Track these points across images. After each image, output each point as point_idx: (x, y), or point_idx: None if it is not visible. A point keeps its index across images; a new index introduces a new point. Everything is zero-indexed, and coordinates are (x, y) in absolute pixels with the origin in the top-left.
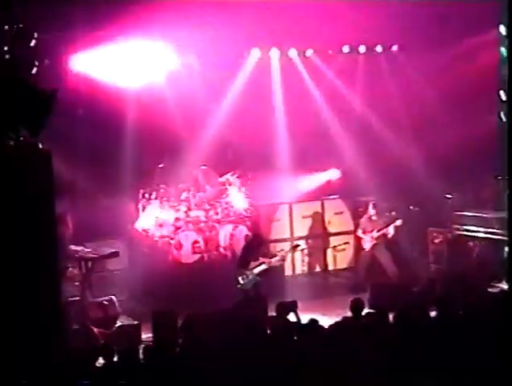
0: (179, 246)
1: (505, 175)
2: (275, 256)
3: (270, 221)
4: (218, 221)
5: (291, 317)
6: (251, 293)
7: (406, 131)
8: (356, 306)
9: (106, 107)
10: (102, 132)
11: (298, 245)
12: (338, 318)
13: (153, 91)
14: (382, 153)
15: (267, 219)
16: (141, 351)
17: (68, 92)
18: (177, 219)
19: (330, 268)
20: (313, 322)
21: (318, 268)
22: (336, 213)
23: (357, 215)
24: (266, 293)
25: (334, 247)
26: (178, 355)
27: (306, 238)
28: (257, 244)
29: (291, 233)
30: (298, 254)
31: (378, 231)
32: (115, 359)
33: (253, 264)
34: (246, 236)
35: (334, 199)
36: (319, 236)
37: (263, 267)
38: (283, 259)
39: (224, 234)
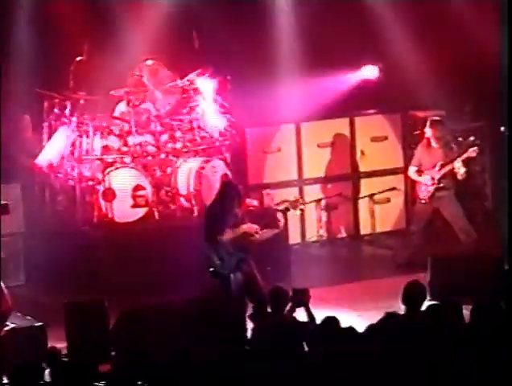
0: (111, 195)
1: None
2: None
3: (264, 152)
4: (177, 152)
5: (300, 314)
6: (234, 277)
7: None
8: (411, 295)
9: None
10: None
11: (297, 200)
12: (379, 315)
13: None
14: (451, 40)
15: (259, 149)
16: (47, 370)
17: None
18: (107, 148)
19: (365, 231)
20: (335, 322)
21: (344, 233)
22: (375, 139)
23: (409, 143)
24: (256, 277)
25: (371, 196)
26: (108, 375)
27: (323, 181)
28: (239, 194)
29: (299, 173)
30: (310, 209)
31: (442, 167)
32: (4, 381)
33: (231, 231)
34: (224, 176)
35: (371, 114)
36: (345, 177)
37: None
38: (278, 225)
39: (187, 174)
